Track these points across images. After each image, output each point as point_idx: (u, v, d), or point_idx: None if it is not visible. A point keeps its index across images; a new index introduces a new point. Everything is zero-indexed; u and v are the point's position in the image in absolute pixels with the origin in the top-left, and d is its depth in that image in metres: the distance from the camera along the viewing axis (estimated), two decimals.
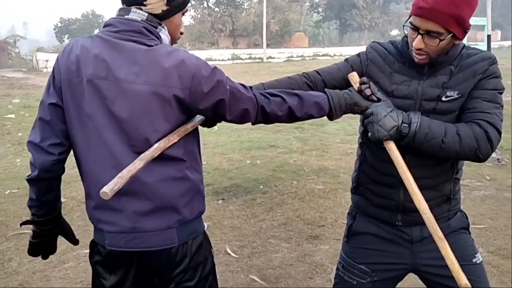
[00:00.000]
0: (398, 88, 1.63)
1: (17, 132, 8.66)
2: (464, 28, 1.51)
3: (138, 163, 1.33)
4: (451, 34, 1.49)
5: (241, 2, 50.93)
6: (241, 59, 35.16)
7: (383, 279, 1.75)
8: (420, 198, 1.52)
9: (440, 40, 1.49)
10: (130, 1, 1.45)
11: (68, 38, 51.02)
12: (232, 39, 50.13)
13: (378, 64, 1.69)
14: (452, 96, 1.58)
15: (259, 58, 34.97)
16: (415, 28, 1.52)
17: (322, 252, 3.52)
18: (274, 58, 35.85)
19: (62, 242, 3.82)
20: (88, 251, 3.58)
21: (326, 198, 4.67)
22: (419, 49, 1.52)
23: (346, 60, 1.80)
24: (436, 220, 1.58)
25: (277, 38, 48.72)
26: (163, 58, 1.36)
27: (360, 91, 1.58)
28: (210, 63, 1.45)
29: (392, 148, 1.55)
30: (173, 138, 1.39)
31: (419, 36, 1.51)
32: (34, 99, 13.77)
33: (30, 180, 1.49)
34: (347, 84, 1.69)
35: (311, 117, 1.56)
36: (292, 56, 37.25)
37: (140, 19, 1.42)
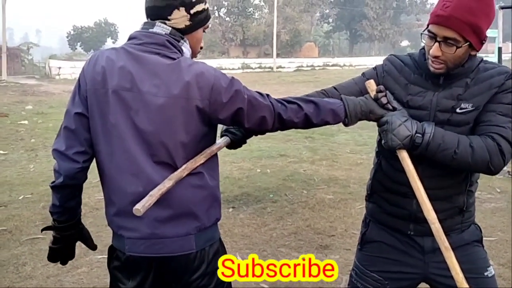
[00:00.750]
0: (413, 98, 1.66)
1: (30, 138, 8.78)
2: (481, 38, 1.54)
3: (167, 183, 1.40)
4: (467, 43, 1.53)
5: (252, 12, 51.25)
6: (251, 68, 35.32)
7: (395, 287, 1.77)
8: (430, 207, 1.55)
9: (457, 48, 1.52)
10: (155, 15, 1.51)
11: (80, 46, 51.55)
12: (242, 48, 50.40)
13: (394, 76, 1.73)
14: (466, 108, 1.59)
15: (269, 68, 35.11)
16: (433, 36, 1.55)
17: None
18: (284, 67, 35.96)
19: (76, 247, 3.86)
20: (101, 256, 3.64)
21: (336, 208, 4.69)
22: (436, 57, 1.55)
23: (363, 74, 1.83)
24: (450, 231, 1.60)
25: (287, 48, 48.88)
26: (183, 71, 1.42)
27: (376, 99, 1.61)
28: None
29: (404, 157, 1.57)
30: (200, 159, 1.46)
31: (436, 44, 1.54)
32: (47, 105, 13.97)
33: (54, 187, 1.53)
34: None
35: (327, 123, 1.59)
36: (302, 66, 37.33)
37: (164, 32, 1.49)
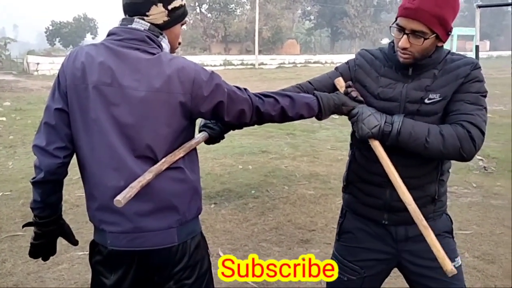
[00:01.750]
0: (384, 90, 1.73)
1: (8, 135, 8.64)
2: (447, 30, 1.61)
3: (147, 175, 1.42)
4: (434, 35, 1.59)
5: (233, 8, 51.12)
6: (233, 65, 35.29)
7: (371, 275, 1.84)
8: (405, 190, 1.61)
9: (424, 39, 1.58)
10: (133, 11, 1.53)
11: (59, 42, 50.70)
12: (224, 45, 50.26)
13: (365, 69, 1.80)
14: (434, 98, 1.66)
15: (251, 64, 35.12)
16: (401, 29, 1.61)
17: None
18: (266, 64, 36.02)
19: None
20: (82, 253, 3.63)
21: (316, 203, 4.75)
22: (405, 49, 1.61)
23: (336, 68, 1.91)
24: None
25: (269, 45, 48.92)
26: (164, 65, 1.44)
27: (346, 94, 1.70)
28: None
29: (376, 145, 1.65)
30: (179, 153, 1.48)
31: (405, 36, 1.60)
32: (25, 102, 13.74)
33: (35, 183, 1.54)
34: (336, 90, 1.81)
35: (302, 117, 1.65)
36: (283, 63, 37.44)
37: (143, 28, 1.51)
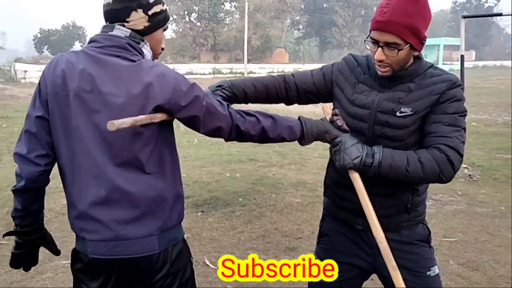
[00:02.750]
0: (358, 97, 1.75)
1: None
2: (420, 39, 1.63)
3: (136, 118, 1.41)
4: (408, 45, 1.61)
5: (223, 17, 51.23)
6: (222, 73, 35.33)
7: (349, 278, 1.85)
8: (378, 227, 1.60)
9: (399, 50, 1.60)
10: (113, 18, 1.52)
11: (47, 49, 50.39)
12: (213, 53, 50.30)
13: (346, 74, 1.82)
14: (406, 112, 1.65)
15: (240, 73, 35.19)
16: (375, 42, 1.63)
17: None
18: (255, 73, 36.09)
19: (39, 253, 3.79)
20: (66, 261, 3.59)
21: (303, 211, 4.76)
22: (381, 61, 1.64)
23: (321, 67, 1.93)
24: (398, 227, 1.68)
25: (258, 54, 49.07)
26: (144, 72, 1.44)
27: (332, 122, 1.69)
28: (191, 77, 1.55)
29: (355, 177, 1.63)
30: (156, 118, 1.45)
31: (379, 49, 1.62)
32: (12, 109, 13.61)
33: (16, 191, 1.52)
34: (317, 89, 1.86)
35: (283, 139, 1.63)
36: (272, 72, 37.51)
37: (123, 35, 1.50)
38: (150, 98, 1.43)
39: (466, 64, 7.16)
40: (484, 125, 10.47)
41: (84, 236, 1.50)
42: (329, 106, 1.78)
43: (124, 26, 1.51)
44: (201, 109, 1.49)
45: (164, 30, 1.62)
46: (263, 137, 1.61)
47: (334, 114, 1.72)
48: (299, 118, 1.67)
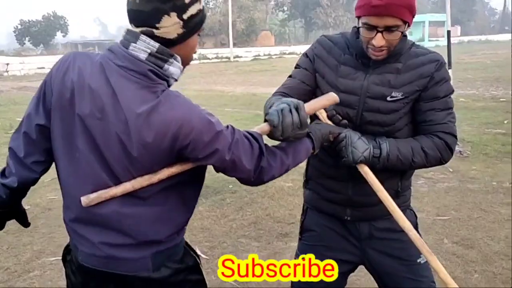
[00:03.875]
0: (343, 82, 1.64)
1: None
2: (413, 14, 1.54)
3: (118, 188, 1.28)
4: (406, 24, 1.53)
5: (206, 1, 50.69)
6: (208, 58, 34.95)
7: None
8: (403, 217, 1.56)
9: (400, 32, 1.52)
10: (139, 21, 1.25)
11: (29, 41, 49.49)
12: (198, 38, 49.82)
13: (323, 58, 1.70)
14: (396, 97, 1.61)
15: (226, 58, 34.86)
16: (372, 27, 1.51)
17: (293, 250, 3.50)
18: (241, 57, 35.79)
19: (26, 251, 3.71)
20: (53, 258, 3.51)
21: (295, 196, 4.70)
22: (381, 46, 1.53)
23: (298, 66, 1.78)
24: (388, 215, 1.61)
25: (244, 37, 48.69)
26: (161, 117, 1.21)
27: (330, 118, 1.58)
28: None
29: (366, 171, 1.57)
30: (155, 178, 1.29)
31: (379, 34, 1.51)
32: None
33: (4, 185, 1.40)
34: (314, 91, 1.72)
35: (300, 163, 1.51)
36: (259, 55, 37.27)
37: (148, 52, 1.25)
38: (163, 146, 1.24)
39: (451, 40, 7.10)
40: (472, 100, 10.46)
41: (76, 244, 1.39)
42: (322, 110, 1.62)
43: (153, 33, 1.24)
44: (222, 163, 1.30)
45: (199, 33, 1.36)
46: (284, 174, 1.47)
47: (331, 116, 1.59)
48: (308, 135, 1.49)
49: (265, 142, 1.37)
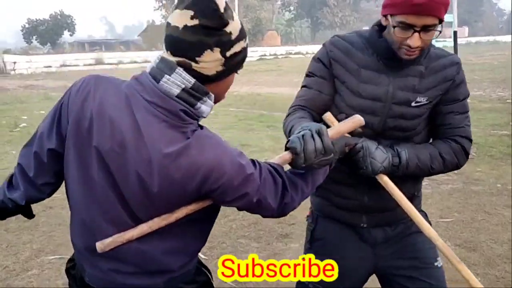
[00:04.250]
0: (366, 87, 1.54)
1: None
2: (446, 12, 1.47)
3: (133, 232, 1.20)
4: (441, 23, 1.45)
5: None
6: None
7: (348, 287, 1.71)
8: (428, 226, 1.49)
9: (437, 32, 1.45)
10: (179, 51, 1.13)
11: (36, 40, 49.77)
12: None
13: (342, 62, 1.57)
14: (421, 102, 1.54)
15: None
16: (409, 27, 1.41)
17: (292, 251, 3.50)
18: (247, 57, 35.83)
19: (26, 249, 3.70)
20: (52, 257, 3.49)
21: None
22: (416, 47, 1.44)
23: (311, 74, 1.65)
24: (402, 219, 1.58)
25: (250, 37, 48.58)
26: (191, 159, 1.12)
27: None
28: None
29: (387, 181, 1.49)
30: (172, 217, 1.21)
31: (416, 34, 1.41)
32: (0, 102, 13.41)
33: (11, 200, 1.33)
34: (333, 98, 1.61)
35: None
36: (265, 55, 37.24)
37: (181, 87, 1.13)
38: (189, 190, 1.15)
39: (459, 41, 7.07)
40: (478, 101, 10.37)
41: (82, 264, 1.31)
42: (329, 114, 1.51)
43: (190, 66, 1.13)
44: (249, 205, 1.24)
45: (238, 71, 1.25)
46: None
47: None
48: None
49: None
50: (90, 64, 29.77)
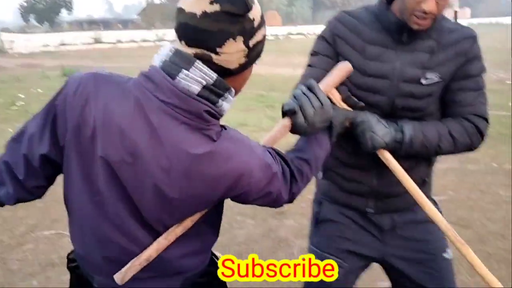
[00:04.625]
0: (371, 65, 1.45)
1: None
2: None
3: (154, 248, 1.09)
4: None
5: None
6: None
7: (352, 269, 1.66)
8: (433, 207, 1.41)
9: None
10: (197, 41, 0.97)
11: (34, 18, 49.35)
12: None
13: (347, 39, 1.49)
14: (432, 79, 1.44)
15: None
16: None
17: (287, 227, 3.53)
18: None
19: (21, 225, 3.72)
20: (48, 232, 3.49)
21: None
22: (430, 12, 1.35)
23: (315, 52, 1.57)
24: (414, 205, 1.50)
25: None
26: (216, 166, 1.01)
27: (345, 101, 1.42)
28: None
29: (388, 157, 1.42)
30: (189, 223, 1.12)
31: None
32: None
33: None
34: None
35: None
36: (266, 35, 37.02)
37: (202, 84, 0.98)
38: (212, 199, 1.05)
39: (462, 22, 7.00)
40: None
41: (88, 271, 1.19)
42: (335, 91, 1.41)
43: (211, 59, 0.98)
44: (267, 201, 1.16)
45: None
46: None
47: (346, 97, 1.39)
48: (330, 127, 1.33)
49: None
50: (88, 43, 29.58)
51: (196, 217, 1.09)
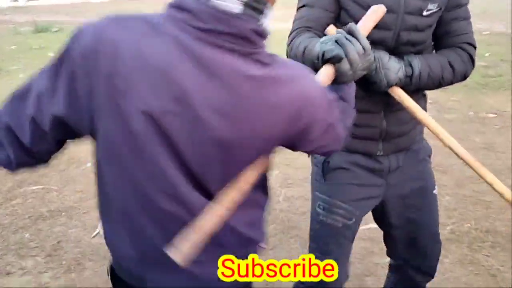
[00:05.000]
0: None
1: None
2: None
3: (215, 218, 0.94)
4: None
5: None
6: None
7: (361, 217, 1.68)
8: (447, 134, 1.46)
9: None
10: None
11: None
12: None
13: None
14: (432, 9, 1.43)
15: None
16: None
17: (272, 177, 3.60)
18: None
19: (8, 180, 3.72)
20: (35, 187, 3.50)
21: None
22: None
23: None
24: (412, 143, 1.58)
25: None
26: (279, 90, 0.89)
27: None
28: None
29: (400, 94, 1.41)
30: (246, 186, 0.97)
31: None
32: None
33: None
34: (338, 17, 1.49)
35: None
36: None
37: (242, 2, 0.84)
38: (276, 133, 0.91)
39: None
40: None
41: (140, 275, 1.05)
42: (332, 26, 1.32)
43: None
44: (327, 139, 1.03)
45: None
46: None
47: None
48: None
49: None
50: None
51: (251, 176, 0.95)
